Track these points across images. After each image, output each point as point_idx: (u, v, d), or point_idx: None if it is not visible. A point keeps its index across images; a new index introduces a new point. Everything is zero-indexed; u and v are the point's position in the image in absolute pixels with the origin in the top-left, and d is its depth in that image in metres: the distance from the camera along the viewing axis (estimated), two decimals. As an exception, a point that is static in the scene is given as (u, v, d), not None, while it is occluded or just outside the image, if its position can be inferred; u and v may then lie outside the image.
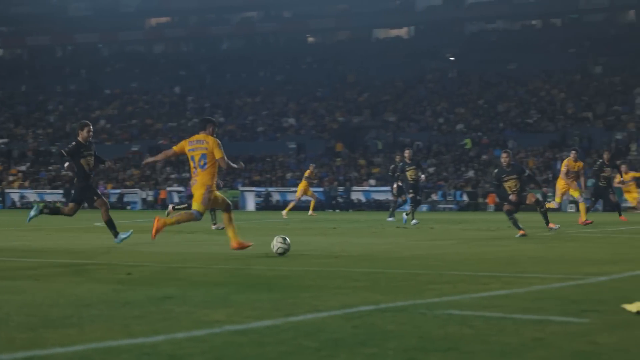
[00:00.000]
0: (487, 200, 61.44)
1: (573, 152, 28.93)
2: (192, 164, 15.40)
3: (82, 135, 17.31)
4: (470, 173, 68.81)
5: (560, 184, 28.59)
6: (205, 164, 15.19)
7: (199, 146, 15.26)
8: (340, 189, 67.54)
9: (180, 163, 75.45)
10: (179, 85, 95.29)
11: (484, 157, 72.04)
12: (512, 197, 20.83)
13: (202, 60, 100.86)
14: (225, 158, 15.29)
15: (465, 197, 64.61)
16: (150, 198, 69.55)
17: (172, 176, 74.35)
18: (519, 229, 20.72)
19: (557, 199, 28.69)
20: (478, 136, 76.08)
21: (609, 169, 29.17)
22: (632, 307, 7.64)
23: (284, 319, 7.36)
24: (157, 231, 15.18)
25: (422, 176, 29.91)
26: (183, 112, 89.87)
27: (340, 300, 8.53)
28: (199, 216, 15.26)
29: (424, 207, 62.34)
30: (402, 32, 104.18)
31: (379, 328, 6.86)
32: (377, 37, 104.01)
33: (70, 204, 17.40)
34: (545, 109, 79.43)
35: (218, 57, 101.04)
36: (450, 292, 9.16)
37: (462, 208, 62.48)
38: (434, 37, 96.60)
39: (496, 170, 21.76)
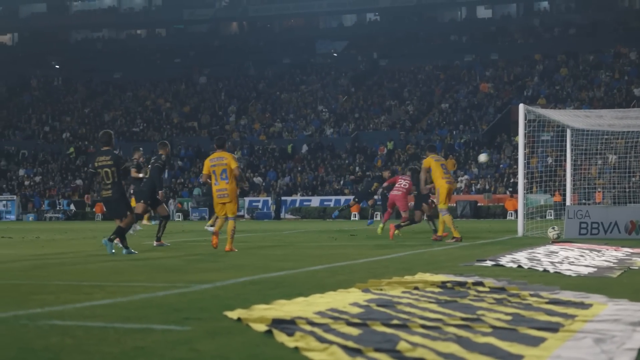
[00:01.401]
0: (95, 210, 60.82)
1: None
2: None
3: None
4: (78, 182, 67.97)
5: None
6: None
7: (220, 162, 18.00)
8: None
9: None
10: None
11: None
12: None
13: None
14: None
15: (72, 207, 63.62)
16: None
17: None
18: None
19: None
20: (85, 145, 75.36)
21: None
22: (234, 314, 7.77)
23: None
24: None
25: None
26: None
27: None
28: None
29: (30, 217, 60.81)
30: (6, 38, 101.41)
31: (-23, 341, 6.58)
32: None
33: None
34: (151, 118, 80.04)
35: None
36: (53, 302, 8.94)
37: (70, 217, 61.42)
38: (39, 44, 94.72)
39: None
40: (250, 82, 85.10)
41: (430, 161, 22.72)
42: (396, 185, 25.18)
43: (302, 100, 79.74)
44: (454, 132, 68.59)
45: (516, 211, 30.91)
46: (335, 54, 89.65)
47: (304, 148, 70.29)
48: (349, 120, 74.37)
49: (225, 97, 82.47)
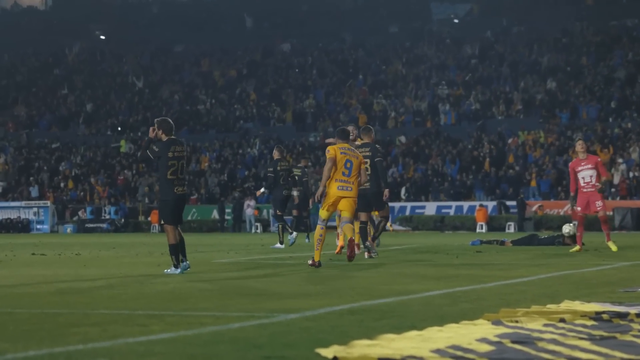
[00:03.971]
0: (150, 219, 61.26)
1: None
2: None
3: None
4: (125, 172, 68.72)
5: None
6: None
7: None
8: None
9: None
10: None
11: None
12: None
13: None
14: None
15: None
16: None
17: None
18: None
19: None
20: (138, 137, 76.30)
21: None
22: (328, 352, 7.77)
23: None
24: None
25: None
26: None
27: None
28: None
29: (68, 228, 61.63)
30: (37, 2, 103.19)
31: (3, 387, 6.71)
32: (4, 7, 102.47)
33: None
34: (219, 97, 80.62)
35: None
36: (99, 336, 9.05)
37: (118, 229, 61.89)
38: (77, 9, 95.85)
39: None
40: (347, 54, 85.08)
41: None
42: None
43: (412, 75, 79.58)
44: (610, 117, 67.57)
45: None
46: (456, 20, 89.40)
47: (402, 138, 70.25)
48: (470, 99, 73.97)
49: (316, 73, 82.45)
